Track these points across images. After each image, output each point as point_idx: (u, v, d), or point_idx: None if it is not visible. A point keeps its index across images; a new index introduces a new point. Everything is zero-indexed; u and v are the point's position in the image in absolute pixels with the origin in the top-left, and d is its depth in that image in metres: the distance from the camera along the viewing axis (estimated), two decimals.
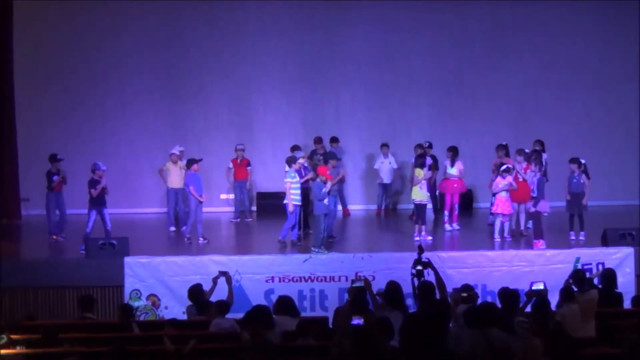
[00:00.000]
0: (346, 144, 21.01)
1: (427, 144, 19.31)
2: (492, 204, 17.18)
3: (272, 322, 10.50)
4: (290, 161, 16.54)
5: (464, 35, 21.58)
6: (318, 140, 19.88)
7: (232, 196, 20.49)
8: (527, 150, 17.55)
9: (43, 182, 17.52)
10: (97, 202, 16.43)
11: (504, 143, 18.05)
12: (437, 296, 9.93)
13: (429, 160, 17.43)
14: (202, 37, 21.22)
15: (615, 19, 21.72)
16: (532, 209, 15.98)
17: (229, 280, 12.54)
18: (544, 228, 16.00)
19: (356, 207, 21.37)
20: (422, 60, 21.61)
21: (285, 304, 11.28)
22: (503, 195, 16.59)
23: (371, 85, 21.66)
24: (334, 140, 20.38)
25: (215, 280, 12.62)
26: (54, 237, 17.38)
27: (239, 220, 19.86)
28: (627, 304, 12.62)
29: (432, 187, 18.01)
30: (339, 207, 19.31)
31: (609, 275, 12.65)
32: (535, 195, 15.82)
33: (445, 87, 21.68)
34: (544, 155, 18.07)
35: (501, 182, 16.54)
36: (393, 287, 10.47)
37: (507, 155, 17.75)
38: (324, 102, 21.61)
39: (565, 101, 21.76)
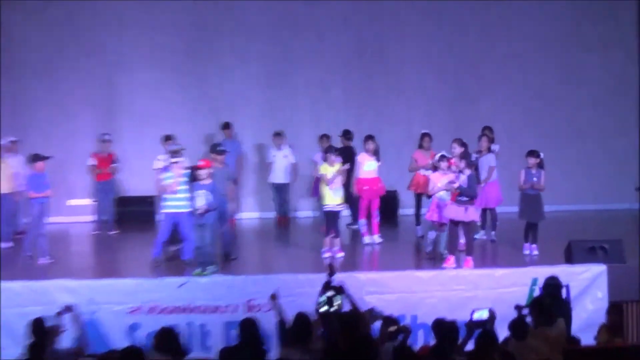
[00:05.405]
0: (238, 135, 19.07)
1: (343, 132, 17.78)
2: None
3: None
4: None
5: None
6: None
7: (87, 202, 18.52)
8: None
9: None
10: None
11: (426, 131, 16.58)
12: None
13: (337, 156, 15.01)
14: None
15: (589, 18, 20.52)
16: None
17: (75, 318, 11.21)
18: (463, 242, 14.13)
19: (249, 215, 19.47)
20: (333, 31, 19.76)
21: (169, 339, 9.77)
22: (443, 196, 13.99)
23: (268, 61, 19.65)
24: (226, 126, 18.49)
25: (58, 317, 10.95)
26: None
27: (100, 232, 17.79)
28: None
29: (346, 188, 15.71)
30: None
31: (553, 285, 11.50)
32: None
33: (361, 63, 19.82)
34: (495, 146, 16.45)
35: (440, 178, 13.95)
36: (303, 322, 9.57)
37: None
38: (210, 81, 19.54)
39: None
